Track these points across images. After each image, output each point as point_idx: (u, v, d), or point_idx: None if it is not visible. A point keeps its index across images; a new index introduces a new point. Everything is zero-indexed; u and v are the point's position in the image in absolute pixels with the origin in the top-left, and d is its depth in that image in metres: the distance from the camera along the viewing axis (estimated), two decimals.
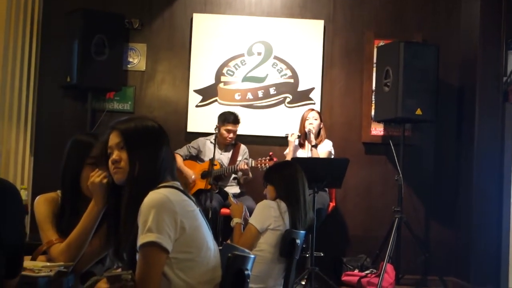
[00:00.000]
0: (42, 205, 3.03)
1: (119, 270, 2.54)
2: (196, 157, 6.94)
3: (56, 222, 3.01)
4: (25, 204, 3.69)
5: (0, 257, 2.15)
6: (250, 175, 6.82)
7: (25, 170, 6.81)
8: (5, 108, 6.52)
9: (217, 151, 6.77)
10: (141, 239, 2.42)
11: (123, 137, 2.65)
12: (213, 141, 6.75)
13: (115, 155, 2.64)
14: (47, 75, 7.19)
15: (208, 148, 6.87)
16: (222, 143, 6.87)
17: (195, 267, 2.52)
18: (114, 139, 2.67)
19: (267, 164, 6.43)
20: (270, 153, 6.55)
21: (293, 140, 6.75)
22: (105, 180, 2.89)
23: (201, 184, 6.66)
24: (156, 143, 2.65)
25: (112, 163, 2.65)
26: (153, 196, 2.47)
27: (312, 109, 6.96)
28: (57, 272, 2.68)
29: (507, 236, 6.66)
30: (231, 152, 6.94)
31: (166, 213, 2.44)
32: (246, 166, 6.60)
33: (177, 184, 2.63)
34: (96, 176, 2.91)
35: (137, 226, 2.47)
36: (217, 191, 6.63)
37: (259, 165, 6.51)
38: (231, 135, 6.82)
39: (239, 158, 6.89)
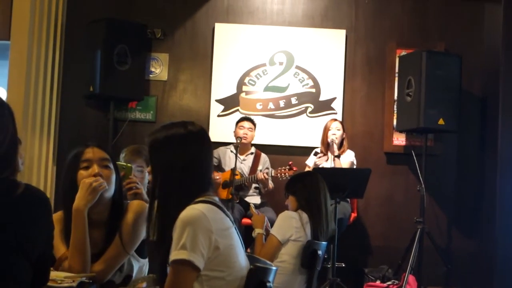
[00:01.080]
0: None
1: (144, 284, 2.54)
2: (217, 167, 6.94)
3: (66, 237, 3.00)
4: None
5: (28, 266, 2.16)
6: (270, 186, 6.80)
7: (48, 179, 6.84)
8: (28, 117, 6.57)
9: (237, 160, 6.78)
10: (174, 255, 2.40)
11: (148, 150, 2.64)
12: (233, 150, 6.76)
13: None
14: (70, 84, 7.23)
15: (229, 157, 6.87)
16: (241, 148, 6.85)
17: (224, 285, 2.50)
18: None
19: (286, 174, 6.42)
20: (290, 163, 6.53)
21: (319, 164, 6.71)
22: (100, 188, 2.86)
23: (222, 194, 6.66)
24: (181, 155, 2.58)
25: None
26: (190, 212, 2.44)
27: (335, 119, 6.93)
28: (79, 283, 2.67)
29: None
30: (251, 161, 6.93)
31: (201, 231, 2.41)
32: (265, 176, 6.58)
33: (216, 199, 2.58)
34: (94, 180, 2.87)
35: (168, 239, 2.46)
36: (238, 201, 6.63)
37: (278, 174, 6.50)
38: (245, 130, 6.81)
39: (260, 167, 6.87)
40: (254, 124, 6.91)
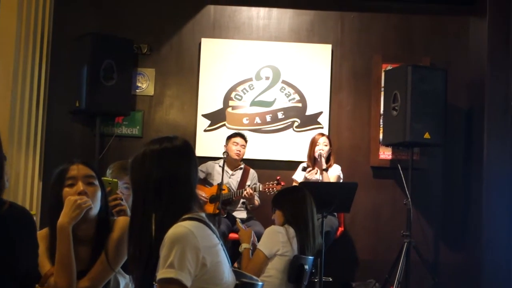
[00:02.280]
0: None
1: None
2: (204, 181, 6.93)
3: (52, 254, 2.98)
4: None
5: (12, 284, 2.15)
6: (257, 202, 6.78)
7: (34, 195, 6.81)
8: (14, 132, 6.54)
9: (226, 174, 6.77)
10: (162, 273, 2.38)
11: (131, 167, 2.62)
12: (222, 165, 6.75)
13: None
14: (56, 99, 7.21)
15: (217, 171, 6.85)
16: (231, 163, 6.87)
17: None
18: None
19: (274, 189, 6.42)
20: (278, 177, 6.54)
21: (311, 178, 6.70)
22: (85, 206, 2.85)
23: (209, 208, 6.65)
24: (165, 170, 2.55)
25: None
26: (178, 230, 2.42)
27: (323, 134, 6.93)
28: None
29: None
30: (240, 176, 6.93)
31: (189, 248, 2.39)
32: (252, 193, 6.55)
33: (202, 216, 2.56)
34: (79, 198, 2.86)
35: (154, 257, 2.45)
36: (225, 215, 6.62)
37: (266, 189, 6.50)
38: (238, 147, 6.82)
39: (248, 182, 6.87)
40: (246, 141, 6.92)
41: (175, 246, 2.38)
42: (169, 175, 2.55)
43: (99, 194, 2.98)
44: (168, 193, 2.53)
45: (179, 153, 2.62)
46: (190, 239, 2.40)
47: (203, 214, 2.57)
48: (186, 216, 2.50)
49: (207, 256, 2.44)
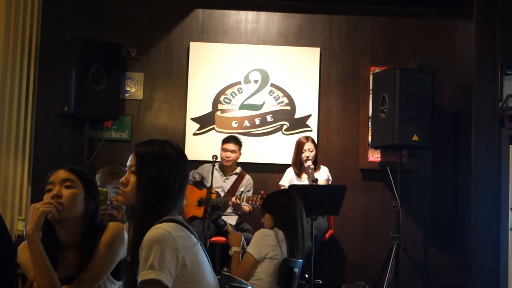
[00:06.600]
0: (24, 251, 2.98)
1: None
2: (200, 183, 6.88)
3: None
4: (21, 235, 3.67)
5: None
6: (248, 208, 6.70)
7: (23, 200, 6.78)
8: (3, 137, 6.52)
9: (221, 178, 6.77)
10: (142, 275, 2.40)
11: (136, 161, 2.62)
12: (218, 169, 6.74)
13: (124, 177, 2.63)
14: (45, 104, 7.18)
15: (212, 175, 6.83)
16: (226, 167, 6.86)
17: None
18: (131, 160, 2.65)
19: (257, 203, 6.36)
20: (262, 192, 6.47)
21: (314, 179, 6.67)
22: (44, 209, 2.82)
23: (196, 212, 6.62)
24: (169, 174, 2.60)
25: (120, 183, 2.64)
26: (156, 232, 2.44)
27: (307, 138, 6.89)
28: None
29: (506, 261, 6.65)
30: (233, 182, 6.90)
31: (168, 249, 2.41)
32: (237, 201, 6.51)
33: (180, 218, 2.58)
34: (40, 204, 2.84)
35: (137, 259, 2.46)
36: (212, 219, 6.53)
37: (250, 202, 6.47)
38: (228, 153, 6.79)
39: (242, 188, 6.83)
40: (239, 144, 6.87)
41: (153, 248, 2.41)
42: (181, 178, 2.63)
43: (77, 197, 2.94)
44: (175, 194, 2.60)
45: (185, 157, 2.70)
46: (169, 240, 2.43)
47: (180, 217, 2.59)
48: (164, 218, 2.53)
49: (187, 256, 2.47)
